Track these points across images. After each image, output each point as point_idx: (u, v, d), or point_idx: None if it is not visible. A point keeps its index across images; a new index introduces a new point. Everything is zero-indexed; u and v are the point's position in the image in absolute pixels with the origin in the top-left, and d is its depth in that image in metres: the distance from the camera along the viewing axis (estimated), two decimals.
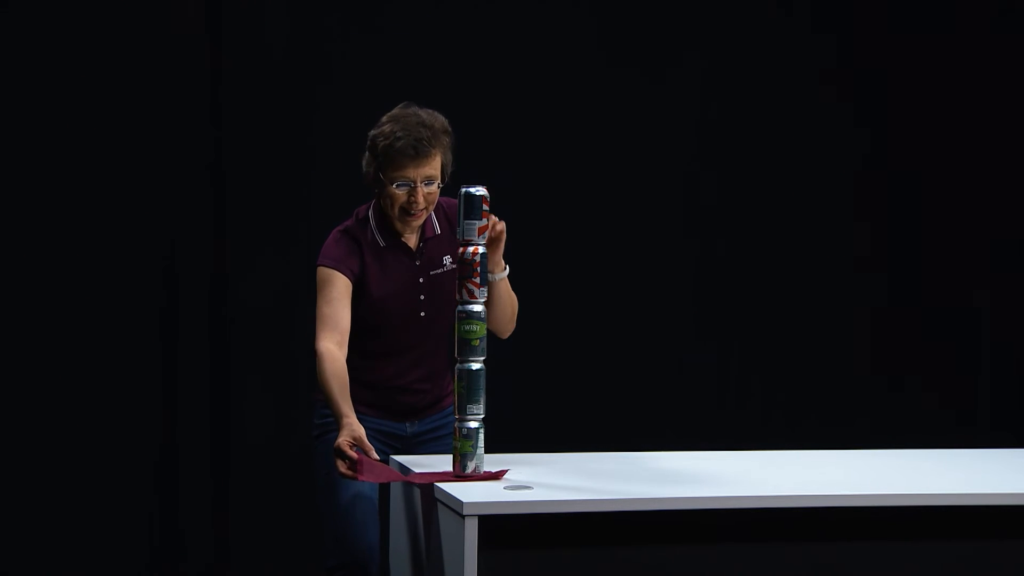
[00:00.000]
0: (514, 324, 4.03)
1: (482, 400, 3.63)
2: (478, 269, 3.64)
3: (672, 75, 6.00)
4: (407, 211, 3.96)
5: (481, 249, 3.66)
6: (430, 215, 4.05)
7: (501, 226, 3.81)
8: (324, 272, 3.99)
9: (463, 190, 3.66)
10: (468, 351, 3.63)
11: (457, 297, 3.66)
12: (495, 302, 3.90)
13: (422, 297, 4.05)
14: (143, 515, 5.53)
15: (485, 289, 3.66)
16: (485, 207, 3.66)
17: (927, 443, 4.59)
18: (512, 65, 5.83)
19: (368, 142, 3.99)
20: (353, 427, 3.72)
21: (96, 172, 5.48)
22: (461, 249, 3.66)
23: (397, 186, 3.94)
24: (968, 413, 6.24)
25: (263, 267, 5.61)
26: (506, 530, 3.35)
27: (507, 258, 3.89)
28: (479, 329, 3.64)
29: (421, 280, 4.05)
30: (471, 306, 3.64)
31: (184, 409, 5.56)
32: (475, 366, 3.63)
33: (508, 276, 3.94)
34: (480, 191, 3.66)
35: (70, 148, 5.46)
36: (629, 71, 5.97)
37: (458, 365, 3.65)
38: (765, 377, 6.12)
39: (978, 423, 6.24)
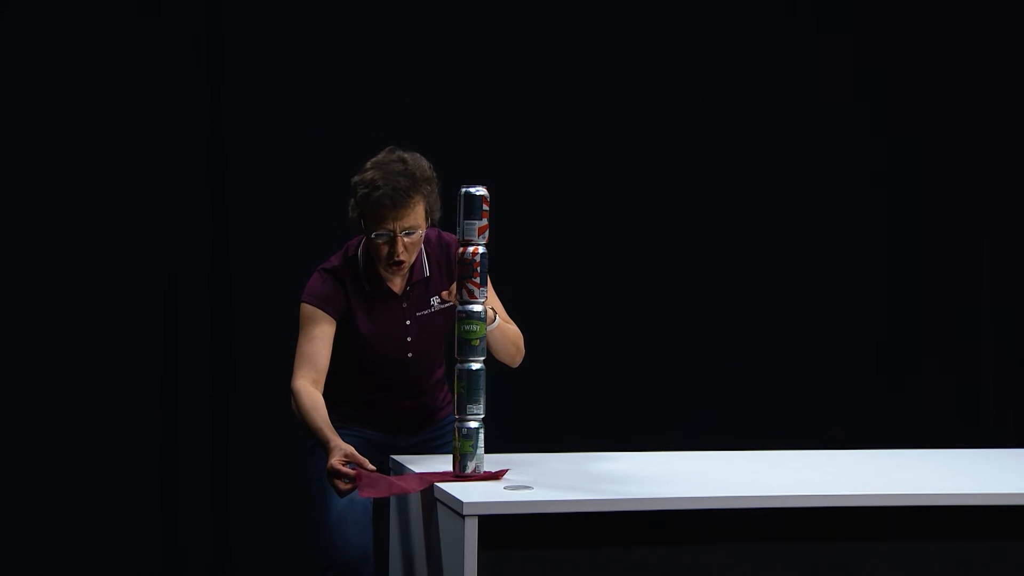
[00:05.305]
0: (522, 353, 4.04)
1: (482, 400, 3.63)
2: (478, 269, 3.64)
3: (674, 75, 6.00)
4: (390, 262, 3.93)
5: (481, 249, 3.65)
6: (421, 259, 4.02)
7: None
8: (307, 309, 3.97)
9: (463, 190, 3.65)
10: (468, 351, 3.63)
11: (457, 297, 3.66)
12: (494, 347, 3.92)
13: (409, 339, 4.03)
14: (143, 516, 5.53)
15: (485, 289, 3.66)
16: (485, 207, 3.65)
17: (928, 443, 4.60)
18: (514, 65, 5.82)
19: (352, 188, 3.94)
20: (341, 446, 3.70)
21: (96, 173, 5.48)
22: (461, 249, 3.66)
23: (376, 236, 3.90)
24: (968, 413, 6.24)
25: (263, 267, 5.61)
26: (506, 530, 3.35)
27: (511, 258, 3.89)
28: (479, 329, 3.64)
29: (408, 322, 4.03)
30: (471, 306, 3.64)
31: (184, 410, 5.56)
32: (475, 366, 3.63)
33: (505, 309, 3.98)
34: (480, 191, 3.65)
35: (70, 149, 5.45)
36: (630, 70, 5.97)
37: (458, 365, 3.64)
38: (767, 378, 6.11)
39: (978, 423, 6.23)
